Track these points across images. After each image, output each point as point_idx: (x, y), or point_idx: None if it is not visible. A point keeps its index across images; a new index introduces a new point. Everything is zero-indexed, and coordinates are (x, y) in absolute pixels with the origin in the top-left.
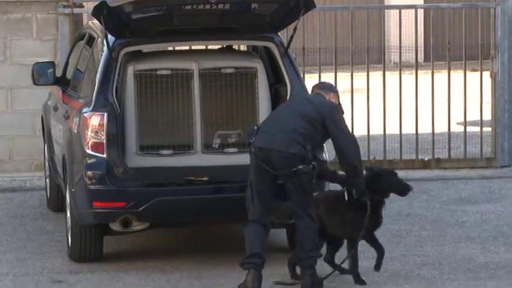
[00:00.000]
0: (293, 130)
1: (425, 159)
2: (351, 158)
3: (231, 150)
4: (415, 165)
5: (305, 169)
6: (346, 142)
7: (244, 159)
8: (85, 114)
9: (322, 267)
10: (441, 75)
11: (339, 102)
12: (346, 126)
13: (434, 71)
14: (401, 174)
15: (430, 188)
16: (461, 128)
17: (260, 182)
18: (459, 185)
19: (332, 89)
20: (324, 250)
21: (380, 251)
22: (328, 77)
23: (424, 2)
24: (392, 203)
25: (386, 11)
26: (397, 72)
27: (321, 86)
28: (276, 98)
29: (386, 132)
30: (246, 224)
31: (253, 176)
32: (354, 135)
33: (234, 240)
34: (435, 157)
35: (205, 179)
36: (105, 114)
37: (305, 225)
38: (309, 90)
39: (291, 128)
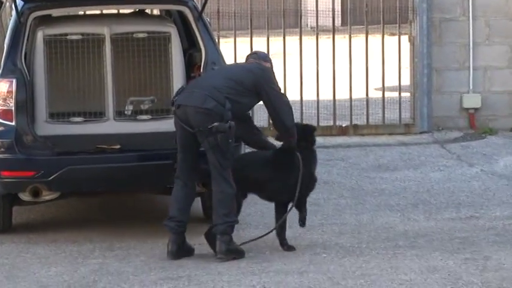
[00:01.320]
0: (212, 87)
1: (343, 125)
2: (285, 119)
3: (144, 117)
4: (333, 132)
5: (220, 127)
6: (280, 103)
7: (158, 126)
8: None
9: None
10: (359, 40)
11: (273, 72)
12: (280, 88)
13: (352, 35)
14: (319, 140)
15: (349, 155)
16: (379, 94)
17: (182, 141)
18: (378, 151)
19: (266, 58)
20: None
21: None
22: (243, 42)
23: None
24: None
25: None
26: (314, 37)
27: (256, 55)
28: (190, 63)
29: (304, 99)
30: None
31: (177, 135)
32: (286, 97)
33: (148, 211)
34: (353, 123)
35: (118, 147)
36: (14, 80)
37: (220, 190)
38: (225, 56)
39: (210, 85)
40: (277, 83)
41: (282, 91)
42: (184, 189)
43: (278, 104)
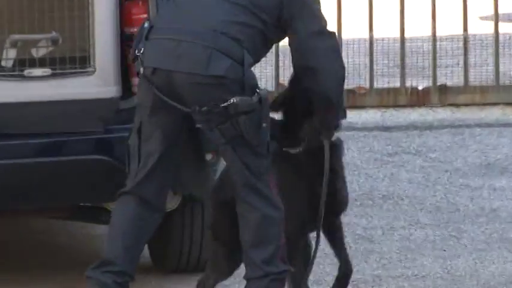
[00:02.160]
0: (213, 28)
1: (420, 87)
2: (327, 75)
3: (38, 71)
4: (400, 100)
5: (244, 104)
6: (324, 45)
7: (64, 89)
8: None
9: None
10: None
11: None
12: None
13: None
14: (372, 116)
15: (430, 144)
16: (488, 27)
17: (157, 128)
18: (485, 138)
19: None
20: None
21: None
22: None
23: None
24: None
25: None
26: None
27: None
28: None
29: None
30: (117, 199)
31: (145, 117)
32: (334, 35)
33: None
34: (438, 84)
35: None
36: None
37: (254, 215)
38: None
39: (211, 24)
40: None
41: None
42: (143, 211)
43: (320, 48)
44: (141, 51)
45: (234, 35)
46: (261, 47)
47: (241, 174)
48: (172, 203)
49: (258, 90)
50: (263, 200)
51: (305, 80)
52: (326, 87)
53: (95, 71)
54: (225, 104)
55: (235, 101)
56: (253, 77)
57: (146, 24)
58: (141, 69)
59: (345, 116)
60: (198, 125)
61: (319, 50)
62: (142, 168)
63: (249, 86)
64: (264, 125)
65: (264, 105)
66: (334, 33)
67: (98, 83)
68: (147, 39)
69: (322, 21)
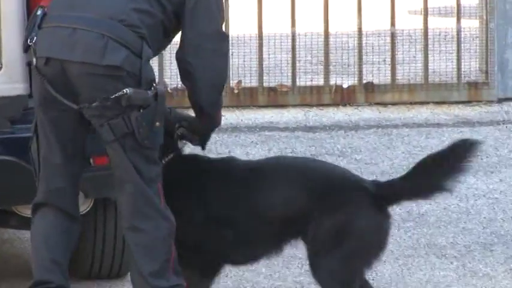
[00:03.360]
0: (110, 15)
1: (345, 85)
2: (204, 87)
3: None
4: (325, 99)
5: (137, 97)
6: (211, 47)
7: None
8: None
9: None
10: None
11: None
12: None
13: None
14: (295, 116)
15: (355, 145)
16: (417, 22)
17: (53, 127)
18: (414, 138)
19: None
20: None
21: None
22: None
23: None
24: None
25: None
26: None
27: None
28: None
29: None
30: (32, 215)
31: (40, 115)
32: (227, 37)
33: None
34: (364, 81)
35: None
36: None
37: (142, 228)
38: None
39: (109, 12)
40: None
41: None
42: (62, 222)
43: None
44: (34, 41)
45: (133, 24)
46: (162, 38)
47: (131, 179)
48: (84, 206)
49: (154, 85)
50: (153, 210)
51: (184, 82)
52: (200, 97)
53: (1, 67)
54: (117, 94)
55: (127, 92)
56: (150, 70)
57: (39, 12)
58: (34, 60)
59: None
60: (89, 120)
61: (203, 52)
62: (47, 175)
63: (145, 79)
64: (157, 124)
65: (159, 101)
66: (227, 35)
67: (4, 80)
68: (39, 27)
69: (217, 21)
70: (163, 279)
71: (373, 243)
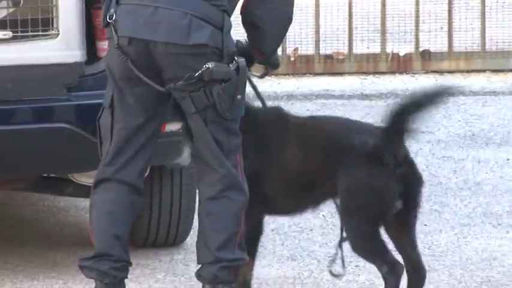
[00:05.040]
0: None
1: (402, 53)
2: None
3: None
4: (381, 67)
5: (220, 70)
6: None
7: (25, 53)
8: None
9: None
10: None
11: None
12: None
13: None
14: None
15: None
16: None
17: (134, 102)
18: (471, 107)
19: None
20: None
21: None
22: None
23: None
24: None
25: None
26: None
27: None
28: None
29: None
30: (93, 190)
31: (116, 92)
32: None
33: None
34: (421, 49)
35: None
36: None
37: (216, 196)
38: None
39: None
40: None
41: None
42: (129, 196)
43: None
44: (113, 18)
45: None
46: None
47: (210, 150)
48: None
49: (236, 58)
50: (230, 182)
51: (247, 32)
52: (263, 45)
53: (58, 34)
54: (200, 71)
55: (210, 66)
56: (232, 43)
57: None
58: (115, 38)
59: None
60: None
61: (270, 3)
62: (119, 150)
63: (227, 53)
64: (239, 97)
65: (241, 75)
66: None
67: (61, 47)
68: (117, 3)
69: None
70: (228, 251)
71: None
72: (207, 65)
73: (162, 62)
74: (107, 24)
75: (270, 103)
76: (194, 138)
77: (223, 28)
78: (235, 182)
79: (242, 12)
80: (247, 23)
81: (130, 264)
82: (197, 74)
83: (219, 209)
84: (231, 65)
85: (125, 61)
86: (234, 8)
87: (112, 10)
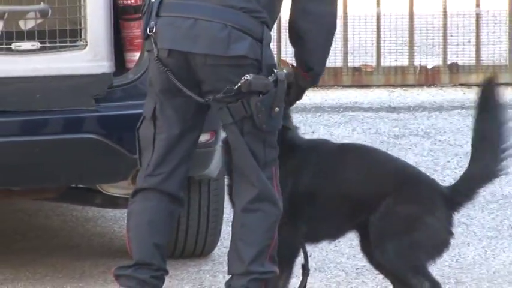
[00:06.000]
0: (233, 5)
1: (429, 66)
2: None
3: (27, 45)
4: (409, 79)
5: (259, 82)
6: (319, 10)
7: (53, 64)
8: None
9: None
10: None
11: None
12: None
13: None
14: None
15: (439, 126)
16: None
17: (174, 113)
18: None
19: None
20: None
21: None
22: None
23: None
24: None
25: None
26: None
27: None
28: None
29: None
30: (132, 199)
31: (163, 100)
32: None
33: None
34: (449, 62)
35: None
36: None
37: (252, 208)
38: None
39: None
40: None
41: None
42: (168, 206)
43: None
44: (153, 31)
45: (254, 9)
46: (279, 9)
47: (246, 162)
48: None
49: (275, 71)
50: (266, 194)
51: (293, 44)
52: (310, 58)
53: (86, 45)
54: (239, 83)
55: (248, 78)
56: (271, 55)
57: None
58: (155, 50)
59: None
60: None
61: (310, 16)
62: (162, 161)
63: (266, 65)
64: (276, 109)
65: (279, 87)
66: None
67: (89, 57)
68: (158, 15)
69: None
70: (259, 264)
71: (439, 241)
72: (245, 77)
73: (202, 74)
74: (148, 37)
75: (298, 115)
76: (232, 149)
77: (262, 40)
78: (270, 195)
79: (289, 23)
80: (291, 33)
81: (167, 273)
82: (236, 86)
83: (252, 221)
84: (269, 77)
85: (165, 73)
86: (275, 21)
87: (152, 22)
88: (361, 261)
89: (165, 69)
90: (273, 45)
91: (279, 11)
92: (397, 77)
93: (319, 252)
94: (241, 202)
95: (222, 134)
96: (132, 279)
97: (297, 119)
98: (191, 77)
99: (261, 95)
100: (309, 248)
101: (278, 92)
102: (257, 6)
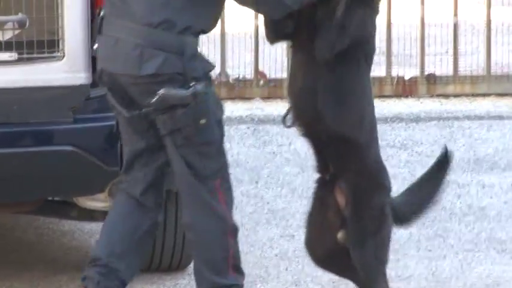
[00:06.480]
0: (151, 22)
1: (406, 77)
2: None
3: (4, 56)
4: (385, 90)
5: (173, 96)
6: None
7: (31, 75)
8: None
9: None
10: None
11: None
12: None
13: None
14: None
15: (416, 137)
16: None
17: (129, 127)
18: (476, 131)
19: None
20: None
21: None
22: None
23: None
24: None
25: None
26: None
27: None
28: None
29: None
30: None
31: (118, 119)
32: None
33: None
34: (425, 73)
35: None
36: None
37: (198, 225)
38: None
39: (146, 17)
40: None
41: None
42: (133, 209)
43: None
44: (95, 49)
45: (171, 20)
46: (213, 7)
47: (183, 174)
48: None
49: (193, 83)
50: (204, 208)
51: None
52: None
53: (63, 56)
54: (154, 99)
55: (162, 92)
56: (197, 67)
57: (102, 13)
58: (98, 69)
59: None
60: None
61: None
62: (129, 167)
63: (192, 78)
64: (202, 121)
65: (199, 99)
66: None
67: (66, 69)
68: (99, 33)
69: None
70: (221, 277)
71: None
72: (158, 92)
73: (129, 91)
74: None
75: (275, 127)
76: (170, 162)
77: (183, 53)
78: (210, 208)
79: None
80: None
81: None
82: (152, 101)
83: (200, 239)
84: (185, 91)
85: (108, 94)
86: (211, 20)
87: (97, 39)
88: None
89: (104, 86)
90: (251, 56)
91: (213, 10)
92: (374, 88)
93: (295, 266)
94: (183, 216)
95: None
96: (83, 278)
97: (274, 130)
98: (125, 94)
99: (184, 108)
100: (286, 261)
101: (199, 104)
102: (174, 15)
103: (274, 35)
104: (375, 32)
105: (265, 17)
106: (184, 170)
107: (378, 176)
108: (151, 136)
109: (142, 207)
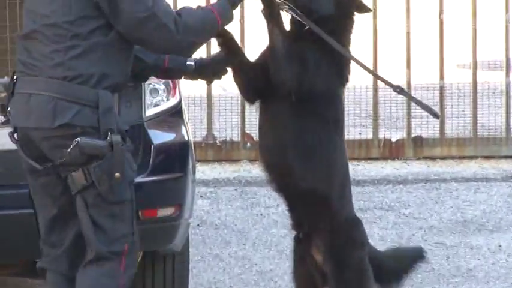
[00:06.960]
0: (66, 75)
1: (394, 139)
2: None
3: None
4: (373, 153)
5: (89, 145)
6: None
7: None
8: None
9: None
10: None
11: None
12: None
13: None
14: None
15: (404, 199)
16: (466, 76)
17: (45, 191)
18: (463, 193)
19: None
20: None
21: None
22: None
23: None
24: None
25: None
26: None
27: None
28: None
29: None
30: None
31: (29, 181)
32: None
33: None
34: (413, 135)
35: None
36: None
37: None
38: None
39: (56, 71)
40: None
41: None
42: (70, 285)
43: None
44: (8, 110)
45: (85, 72)
46: (122, 49)
47: (90, 236)
48: None
49: (109, 134)
50: (112, 281)
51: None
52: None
53: None
54: (70, 147)
55: (79, 141)
56: (113, 121)
57: (15, 76)
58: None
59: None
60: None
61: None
62: (46, 242)
63: (105, 131)
64: (117, 175)
65: (115, 151)
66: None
67: None
68: (12, 94)
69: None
70: None
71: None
72: (75, 140)
73: (41, 147)
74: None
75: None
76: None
77: (98, 106)
78: (118, 279)
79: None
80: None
81: None
82: (69, 149)
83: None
84: (101, 141)
85: (20, 151)
86: (122, 79)
87: (9, 103)
88: None
89: (18, 146)
90: (238, 118)
91: (127, 63)
92: (361, 150)
93: None
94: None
95: (187, 208)
96: None
97: (261, 192)
98: (37, 151)
99: (98, 161)
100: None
101: (116, 156)
102: (89, 68)
103: (250, 94)
104: (341, 91)
105: (216, 72)
106: (89, 231)
107: (353, 233)
108: (65, 201)
109: (72, 281)
